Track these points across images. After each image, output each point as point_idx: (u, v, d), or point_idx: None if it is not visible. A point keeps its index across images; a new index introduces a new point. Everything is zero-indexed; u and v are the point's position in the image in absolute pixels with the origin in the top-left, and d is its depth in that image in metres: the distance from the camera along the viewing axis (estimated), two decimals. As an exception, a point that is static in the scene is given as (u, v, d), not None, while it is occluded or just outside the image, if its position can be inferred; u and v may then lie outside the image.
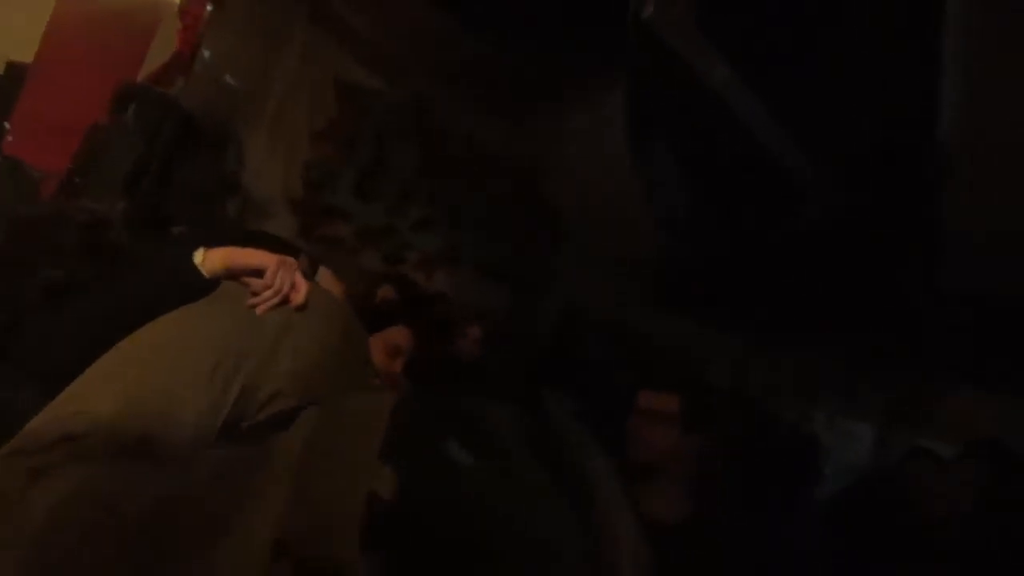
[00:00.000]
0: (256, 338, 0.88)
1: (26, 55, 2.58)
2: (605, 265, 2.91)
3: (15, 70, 2.60)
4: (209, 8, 2.62)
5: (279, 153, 2.82)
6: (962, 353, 2.68)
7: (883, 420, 2.82)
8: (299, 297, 0.96)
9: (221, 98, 2.74)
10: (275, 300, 0.94)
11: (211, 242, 1.00)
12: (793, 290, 2.85)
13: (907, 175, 2.31)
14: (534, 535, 0.71)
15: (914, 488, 2.04)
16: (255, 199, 2.81)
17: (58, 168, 2.61)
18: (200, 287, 0.95)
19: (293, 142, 2.84)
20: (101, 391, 0.75)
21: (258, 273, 0.96)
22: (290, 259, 1.00)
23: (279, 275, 0.95)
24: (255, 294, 0.94)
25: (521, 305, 2.95)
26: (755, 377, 2.82)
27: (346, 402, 0.89)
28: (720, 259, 2.89)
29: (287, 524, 0.66)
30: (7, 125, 2.52)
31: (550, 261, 2.97)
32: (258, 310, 0.92)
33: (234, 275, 0.98)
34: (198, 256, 0.97)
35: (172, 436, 0.74)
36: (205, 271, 0.97)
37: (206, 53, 2.67)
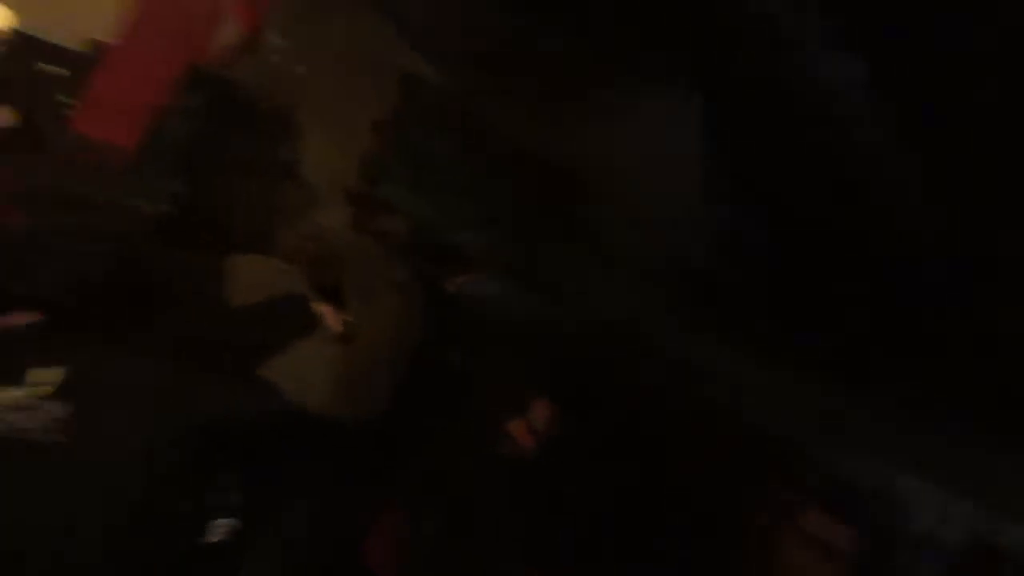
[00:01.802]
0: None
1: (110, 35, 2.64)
2: (636, 276, 2.67)
3: (99, 48, 2.65)
4: (276, -9, 2.57)
5: (337, 141, 2.75)
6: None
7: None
8: None
9: (283, 83, 2.70)
10: None
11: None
12: (850, 322, 2.48)
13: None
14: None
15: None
16: (310, 187, 2.76)
17: (127, 145, 2.64)
18: None
19: (352, 131, 2.77)
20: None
21: None
22: None
23: None
24: None
25: (550, 315, 2.75)
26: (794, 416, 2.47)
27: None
28: (778, 285, 2.56)
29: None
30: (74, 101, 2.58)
31: (582, 268, 2.76)
32: None
33: None
34: None
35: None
36: None
37: (270, 37, 2.63)
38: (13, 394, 1.15)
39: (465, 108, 2.92)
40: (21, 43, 2.21)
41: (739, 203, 2.26)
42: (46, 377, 1.19)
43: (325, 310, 1.79)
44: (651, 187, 2.40)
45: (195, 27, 2.72)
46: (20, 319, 1.39)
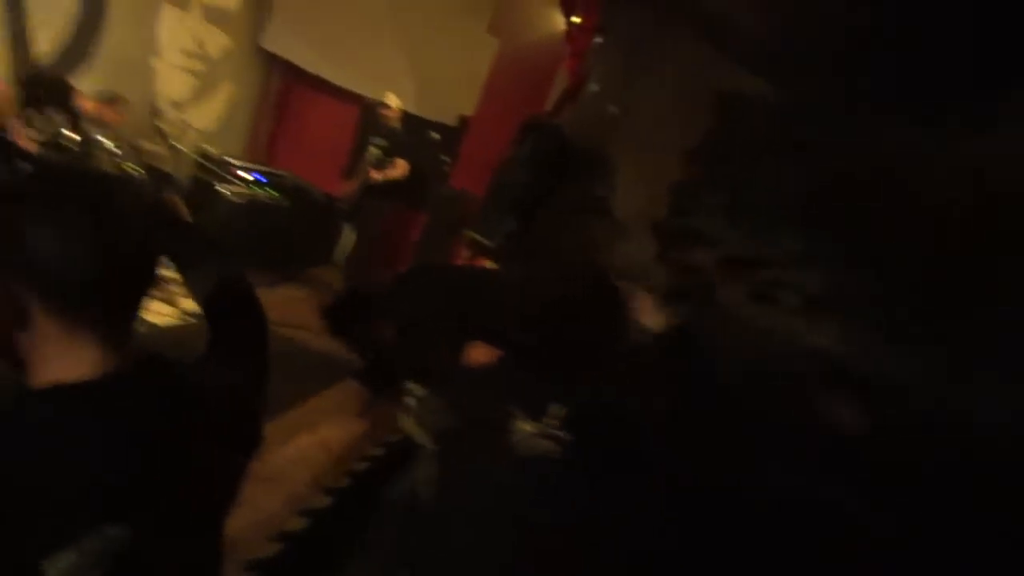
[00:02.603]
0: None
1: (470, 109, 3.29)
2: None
3: (464, 122, 3.32)
4: (597, 40, 2.75)
5: (646, 174, 2.73)
6: None
7: None
8: None
9: (601, 126, 2.84)
10: None
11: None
12: None
13: None
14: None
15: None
16: (618, 221, 2.80)
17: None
18: None
19: (661, 162, 2.70)
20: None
21: None
22: None
23: None
24: None
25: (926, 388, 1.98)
26: None
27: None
28: None
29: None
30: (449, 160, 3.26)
31: (971, 335, 1.90)
32: None
33: None
34: None
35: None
36: None
37: (591, 84, 2.82)
38: (535, 425, 1.43)
39: (800, 126, 2.53)
40: (411, 119, 2.94)
41: None
42: (558, 412, 1.44)
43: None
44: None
45: (536, 90, 3.13)
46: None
